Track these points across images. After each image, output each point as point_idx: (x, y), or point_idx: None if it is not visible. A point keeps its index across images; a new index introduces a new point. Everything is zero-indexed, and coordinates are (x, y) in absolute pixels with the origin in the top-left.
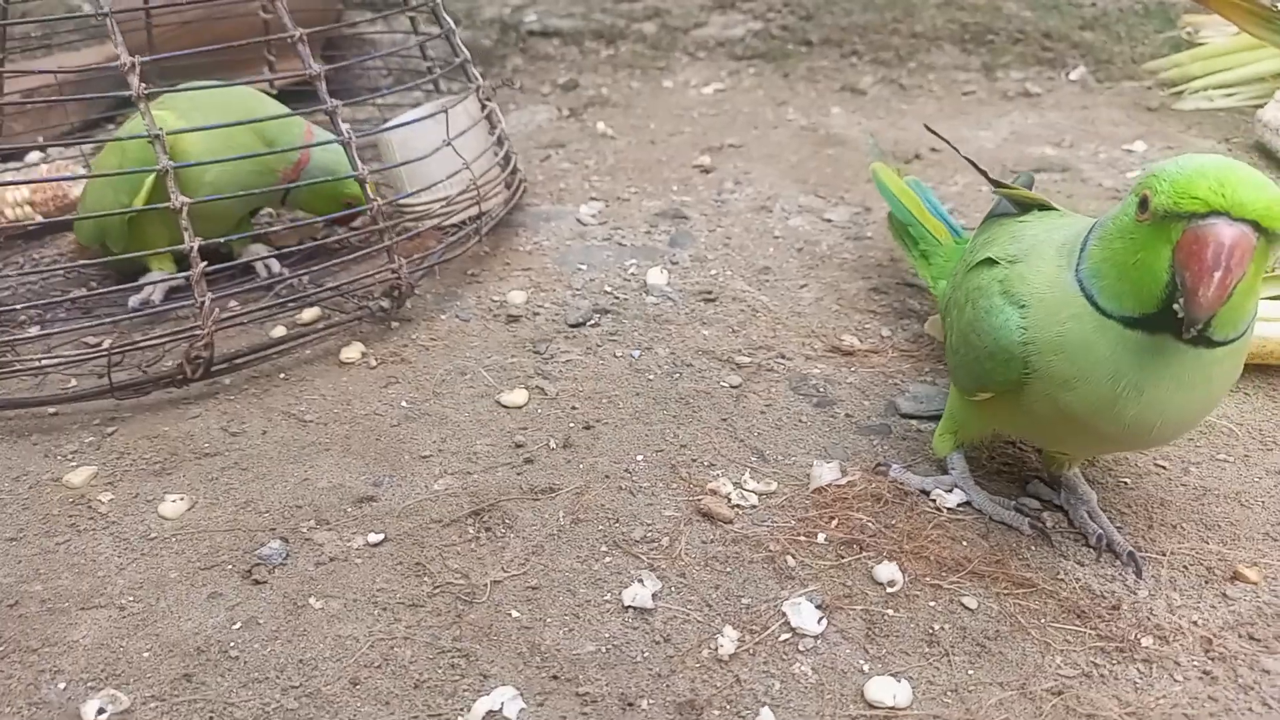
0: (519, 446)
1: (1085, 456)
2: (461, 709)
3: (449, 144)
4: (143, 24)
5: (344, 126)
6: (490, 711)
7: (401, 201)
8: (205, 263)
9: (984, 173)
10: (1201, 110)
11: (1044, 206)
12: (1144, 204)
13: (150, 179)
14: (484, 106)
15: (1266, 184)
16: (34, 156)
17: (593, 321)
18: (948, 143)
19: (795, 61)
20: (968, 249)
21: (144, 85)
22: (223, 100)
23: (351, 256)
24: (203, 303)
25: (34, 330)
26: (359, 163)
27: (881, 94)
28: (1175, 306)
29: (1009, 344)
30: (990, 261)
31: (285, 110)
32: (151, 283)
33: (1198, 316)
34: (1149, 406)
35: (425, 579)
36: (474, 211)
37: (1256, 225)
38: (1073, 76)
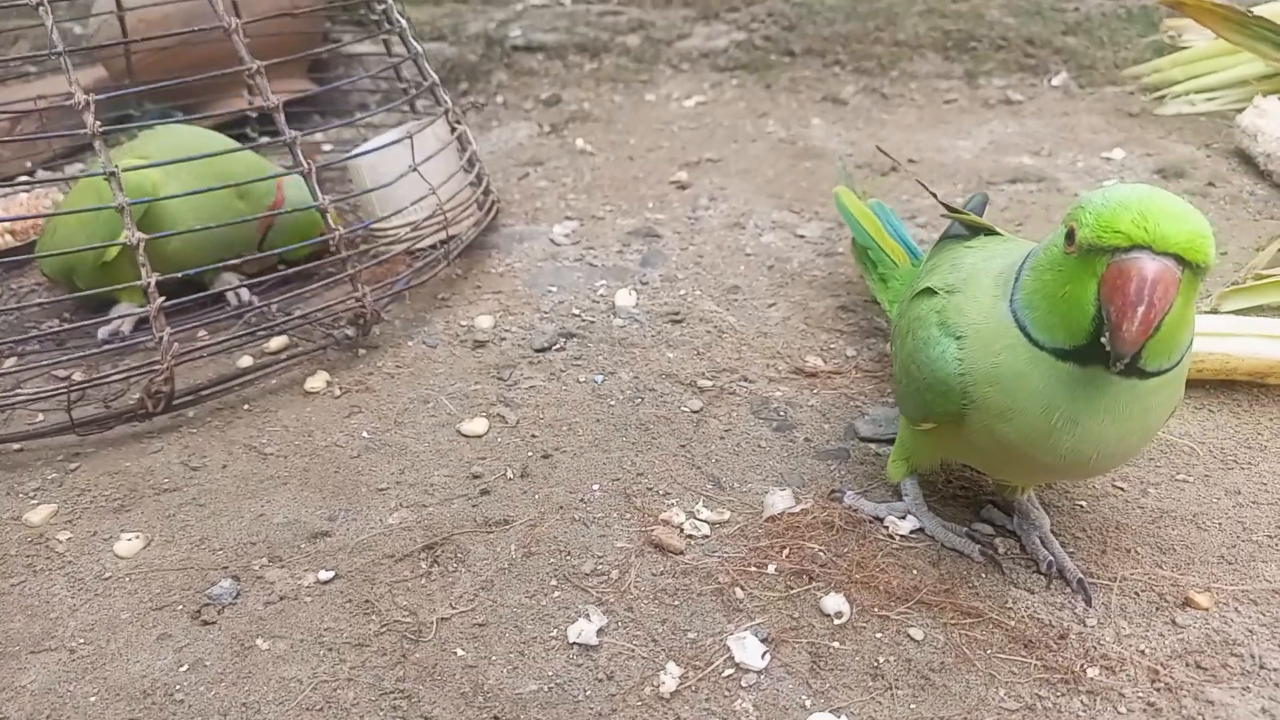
0: (476, 477)
1: (1030, 484)
2: None
3: (415, 169)
4: (122, 49)
5: (302, 157)
6: None
7: (373, 227)
8: (164, 298)
9: (934, 194)
10: (1183, 115)
11: (989, 231)
12: (1070, 236)
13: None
14: (454, 129)
15: (1190, 215)
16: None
17: (558, 346)
18: (895, 160)
19: (778, 72)
20: (916, 275)
21: (98, 123)
22: (192, 145)
23: (320, 284)
24: (161, 337)
25: (10, 363)
26: (318, 193)
27: (863, 104)
28: (1103, 340)
29: (946, 376)
30: (929, 291)
31: (250, 156)
32: (120, 316)
33: (1123, 351)
34: (1084, 438)
35: (373, 617)
36: (445, 235)
37: (1180, 258)
38: (1055, 83)
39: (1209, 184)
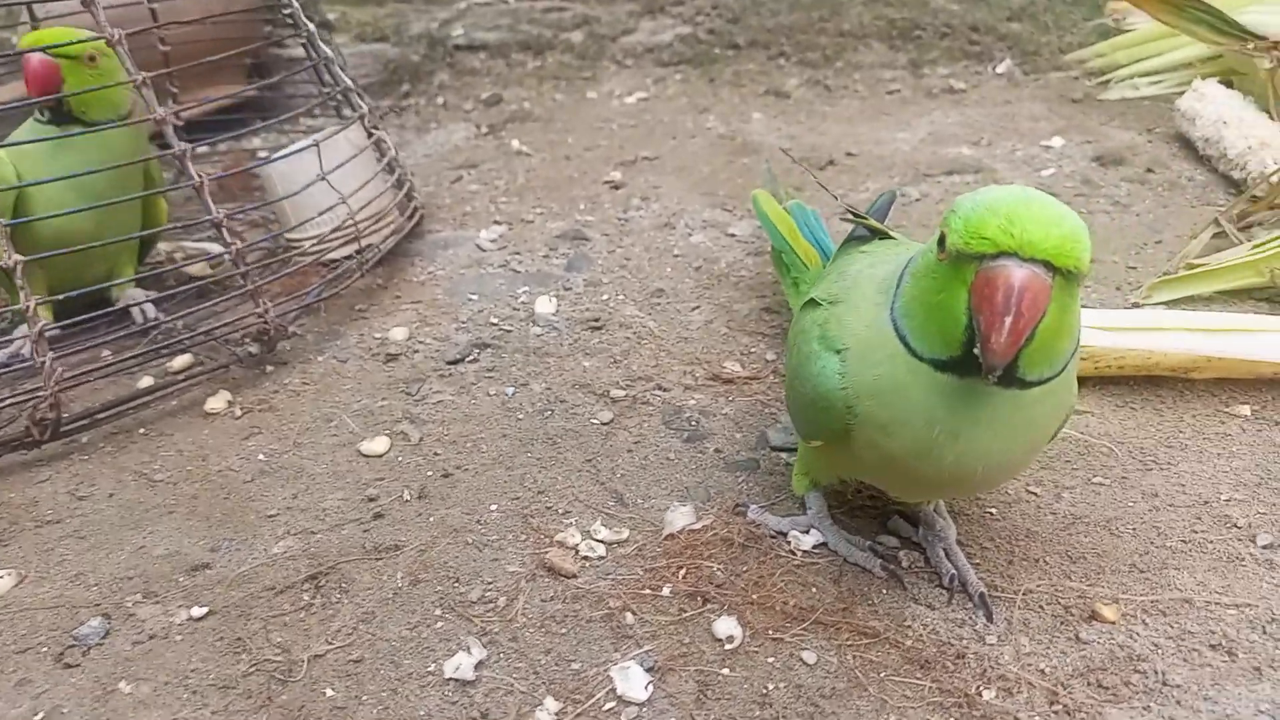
0: (371, 500)
1: (924, 500)
2: None
3: (323, 177)
4: None
5: (193, 169)
6: None
7: (284, 237)
8: (44, 322)
9: (835, 195)
10: (1127, 100)
11: (883, 235)
12: (941, 242)
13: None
14: (370, 134)
15: (1062, 219)
16: None
17: (471, 357)
18: (809, 169)
19: (721, 66)
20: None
21: None
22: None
23: (226, 297)
24: (43, 363)
25: None
26: (211, 206)
27: (805, 96)
28: (975, 350)
29: (828, 391)
30: (814, 303)
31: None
32: (22, 337)
33: (994, 363)
34: (967, 451)
35: (243, 656)
36: (357, 246)
37: (1049, 265)
38: (999, 70)
39: (1148, 170)
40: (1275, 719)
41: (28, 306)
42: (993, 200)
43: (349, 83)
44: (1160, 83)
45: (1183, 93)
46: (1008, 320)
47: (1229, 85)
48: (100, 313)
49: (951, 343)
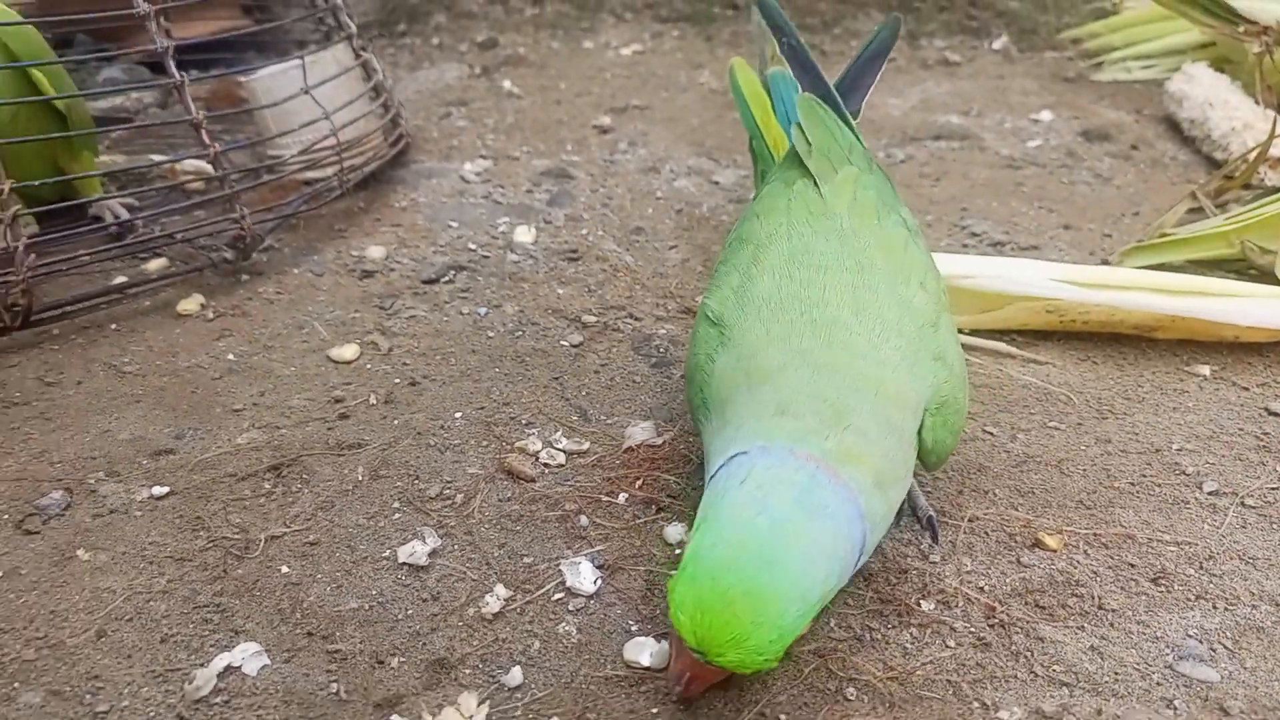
0: (337, 401)
1: None
2: (201, 664)
3: (307, 91)
4: None
5: (191, 104)
6: (229, 667)
7: (270, 152)
8: (19, 205)
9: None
10: (1119, 81)
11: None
12: (680, 567)
13: None
14: (358, 55)
15: (757, 627)
16: None
17: (447, 278)
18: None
19: (720, 25)
20: (746, 212)
21: None
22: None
23: (203, 200)
24: (16, 248)
25: None
26: (192, 107)
27: None
28: None
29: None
30: (708, 319)
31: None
32: None
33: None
34: None
35: (201, 533)
36: (339, 165)
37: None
38: (996, 46)
39: (1133, 147)
40: (1202, 642)
41: (1, 189)
42: (704, 585)
43: (339, 2)
44: (1152, 66)
45: (1173, 76)
46: (678, 689)
47: (1219, 70)
48: (80, 224)
49: None
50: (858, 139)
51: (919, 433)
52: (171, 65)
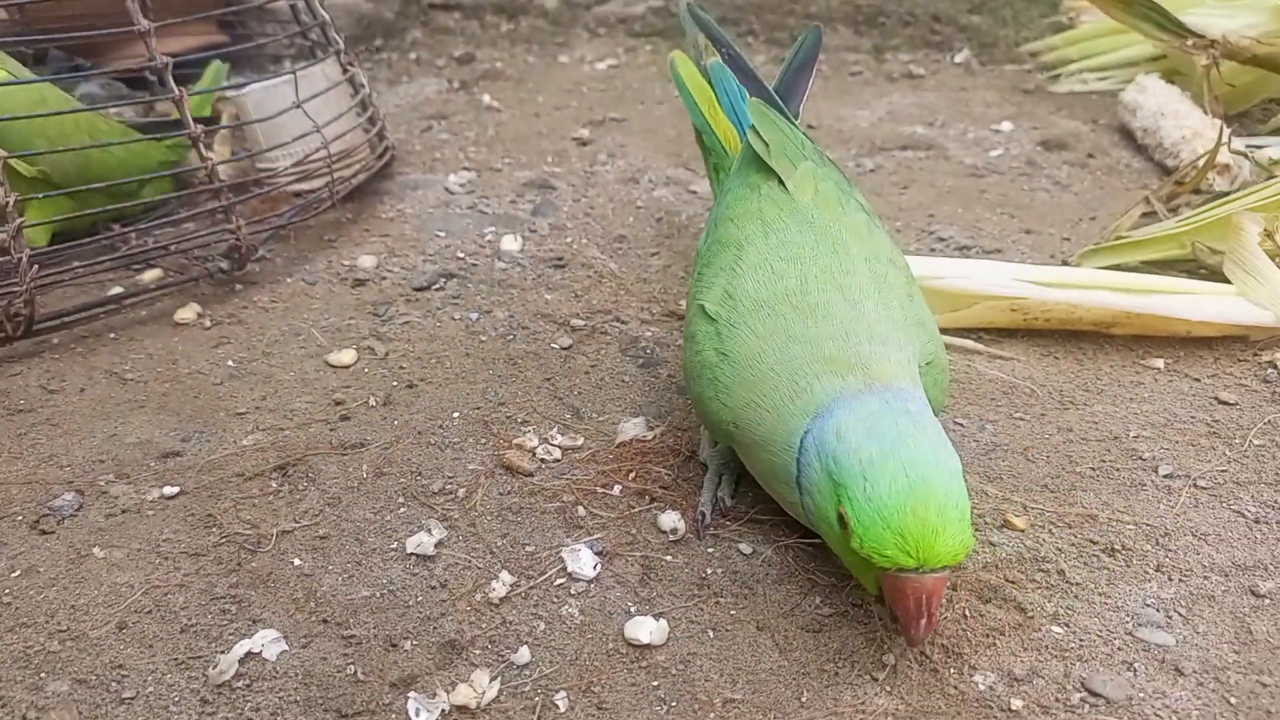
0: (338, 404)
1: None
2: (222, 650)
3: (298, 105)
4: None
5: (190, 119)
6: (250, 653)
7: (260, 165)
8: (22, 217)
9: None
10: (1075, 93)
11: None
12: (842, 521)
13: None
14: (345, 70)
15: (946, 521)
16: None
17: (438, 286)
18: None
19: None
20: (714, 213)
21: None
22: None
23: (193, 212)
24: (20, 259)
25: None
26: (190, 120)
27: (772, 73)
28: None
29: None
30: (706, 316)
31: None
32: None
33: (913, 646)
34: None
35: (213, 530)
36: (329, 177)
37: (949, 566)
38: (958, 59)
39: (1089, 155)
40: (1159, 610)
41: (6, 203)
42: (883, 508)
43: (326, 17)
44: (1108, 78)
45: (1127, 87)
46: (922, 622)
47: (1170, 81)
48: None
49: (870, 584)
50: (805, 137)
51: None
52: (171, 80)
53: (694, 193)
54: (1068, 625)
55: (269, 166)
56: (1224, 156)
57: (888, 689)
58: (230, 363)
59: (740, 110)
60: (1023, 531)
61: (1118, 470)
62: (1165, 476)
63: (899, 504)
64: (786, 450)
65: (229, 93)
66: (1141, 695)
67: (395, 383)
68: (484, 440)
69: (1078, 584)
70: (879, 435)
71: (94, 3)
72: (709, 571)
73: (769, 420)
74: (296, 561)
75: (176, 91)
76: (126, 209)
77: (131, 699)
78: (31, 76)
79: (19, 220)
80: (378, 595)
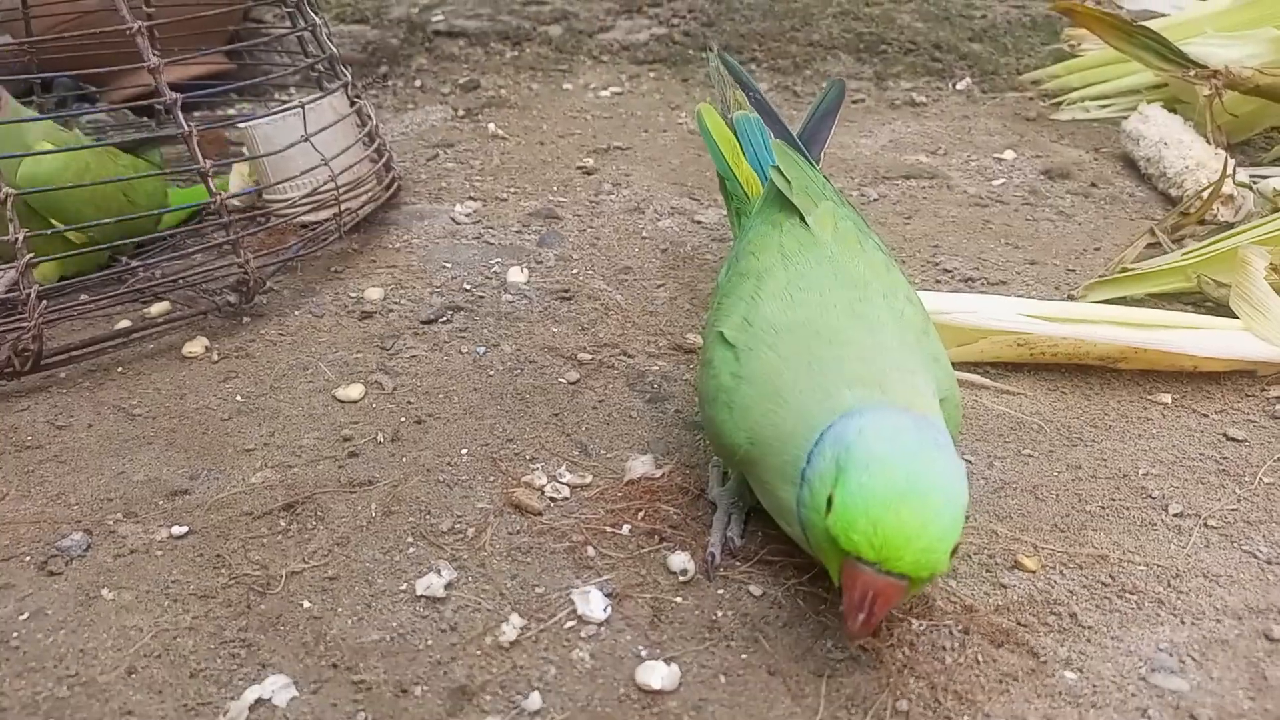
0: (346, 440)
1: None
2: (232, 697)
3: (307, 139)
4: (20, 14)
5: (199, 153)
6: (260, 699)
7: (264, 196)
8: (31, 254)
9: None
10: (1077, 120)
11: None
12: (830, 505)
13: None
14: (353, 102)
15: (924, 530)
16: None
17: (445, 318)
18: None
19: (695, 67)
20: (731, 255)
21: None
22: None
23: (203, 247)
24: (29, 295)
25: None
26: (200, 156)
27: (774, 100)
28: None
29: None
30: (724, 342)
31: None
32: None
33: (850, 638)
34: None
35: (222, 571)
36: (337, 210)
37: (908, 578)
38: (959, 87)
39: (1092, 184)
40: (1172, 655)
41: (16, 239)
42: (868, 498)
43: (334, 50)
44: (1109, 106)
45: (1129, 116)
46: (860, 616)
47: (1172, 110)
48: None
49: (833, 572)
50: (826, 180)
51: None
52: (180, 115)
53: (699, 223)
54: (1081, 670)
55: (277, 199)
56: (1228, 187)
57: None
58: (238, 398)
59: (763, 159)
60: (1034, 572)
61: (1127, 509)
62: (1175, 515)
63: (887, 500)
64: (802, 446)
65: (238, 124)
66: None
67: (403, 418)
68: (493, 478)
69: (1090, 627)
70: (901, 444)
71: (99, 23)
72: (719, 614)
73: (789, 422)
74: (306, 604)
75: (185, 128)
76: (142, 242)
77: None
78: (73, 143)
79: (28, 257)
80: (387, 639)
